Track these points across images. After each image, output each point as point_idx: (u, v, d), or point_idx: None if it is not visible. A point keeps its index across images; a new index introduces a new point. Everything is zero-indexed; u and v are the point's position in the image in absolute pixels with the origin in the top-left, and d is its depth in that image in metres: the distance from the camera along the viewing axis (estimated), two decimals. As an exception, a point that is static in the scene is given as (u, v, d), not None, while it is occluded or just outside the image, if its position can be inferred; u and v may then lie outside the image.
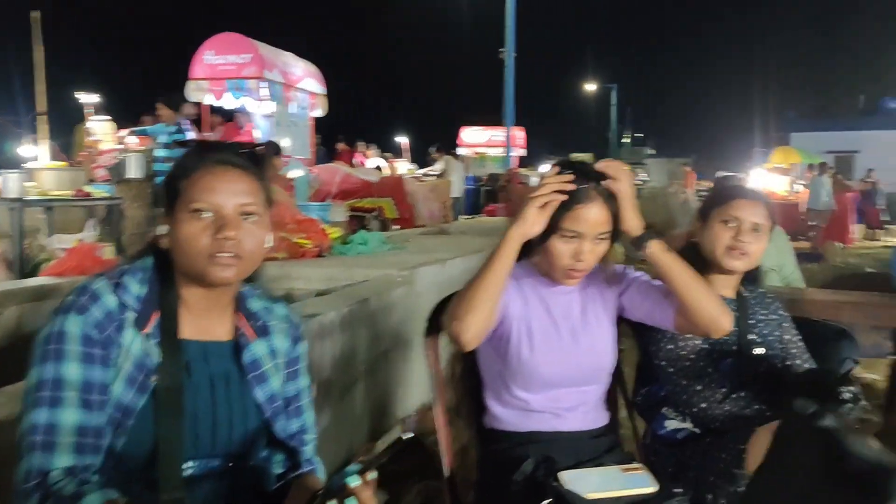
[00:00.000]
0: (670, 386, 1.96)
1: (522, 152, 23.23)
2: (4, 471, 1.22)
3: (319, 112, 11.13)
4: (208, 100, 9.83)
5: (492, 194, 15.70)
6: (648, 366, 2.02)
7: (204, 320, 1.35)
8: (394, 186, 9.87)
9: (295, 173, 9.23)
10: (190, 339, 1.31)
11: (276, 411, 1.39)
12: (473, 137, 23.01)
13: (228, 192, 1.29)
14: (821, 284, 4.67)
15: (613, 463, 1.69)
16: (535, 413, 1.71)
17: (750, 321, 2.01)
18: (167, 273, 1.32)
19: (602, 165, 1.63)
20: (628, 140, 53.24)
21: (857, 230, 15.10)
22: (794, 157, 19.91)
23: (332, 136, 13.62)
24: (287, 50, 10.50)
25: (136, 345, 1.25)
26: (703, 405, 1.89)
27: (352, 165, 12.57)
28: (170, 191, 1.31)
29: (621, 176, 1.61)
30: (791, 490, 1.34)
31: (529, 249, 1.70)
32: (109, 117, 9.98)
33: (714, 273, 2.02)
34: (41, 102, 9.08)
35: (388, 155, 16.52)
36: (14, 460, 1.18)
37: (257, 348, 1.38)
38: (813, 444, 1.29)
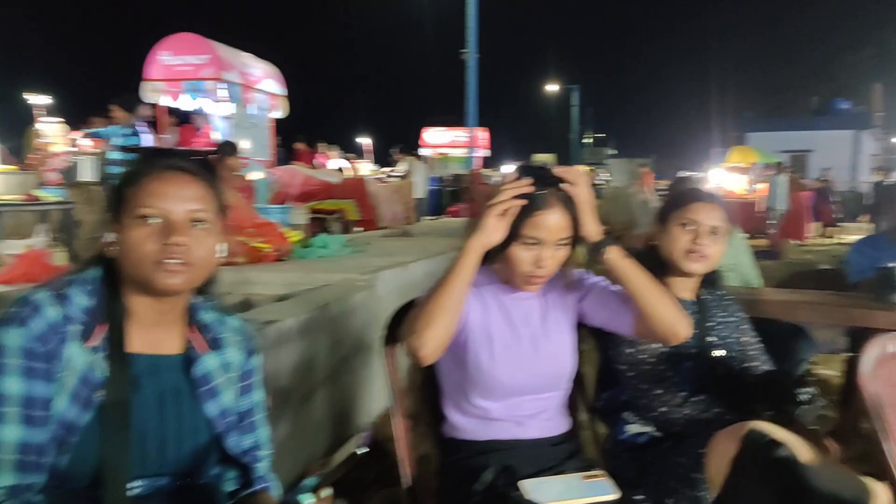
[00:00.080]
0: (631, 390, 1.96)
1: (486, 153, 23.33)
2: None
3: (279, 113, 11.00)
4: (165, 101, 9.64)
5: (455, 195, 15.72)
6: (609, 370, 2.02)
7: (153, 333, 1.30)
8: (356, 188, 9.79)
9: (255, 175, 9.11)
10: (138, 353, 1.27)
11: (228, 427, 1.35)
12: (436, 138, 23.02)
13: (177, 198, 1.25)
14: (778, 281, 4.74)
15: (574, 470, 1.67)
16: (495, 421, 1.69)
17: (709, 323, 2.02)
18: (115, 283, 1.27)
19: (560, 171, 1.62)
20: (590, 140, 53.78)
21: (812, 228, 15.43)
22: (751, 157, 20.29)
23: (293, 137, 13.45)
24: (245, 50, 10.35)
25: (81, 359, 1.20)
26: (663, 409, 1.89)
27: (312, 166, 12.46)
28: (117, 197, 1.27)
29: (579, 181, 1.60)
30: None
31: (489, 256, 1.68)
32: (61, 119, 9.74)
33: (673, 276, 2.03)
34: (-12, 104, 8.83)
35: (350, 156, 16.44)
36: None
37: (209, 362, 1.34)
38: (770, 475, 1.29)
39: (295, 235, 5.20)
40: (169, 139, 9.55)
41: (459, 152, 21.74)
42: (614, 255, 1.61)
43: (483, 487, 1.59)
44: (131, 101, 6.84)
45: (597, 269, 1.84)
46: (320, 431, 3.12)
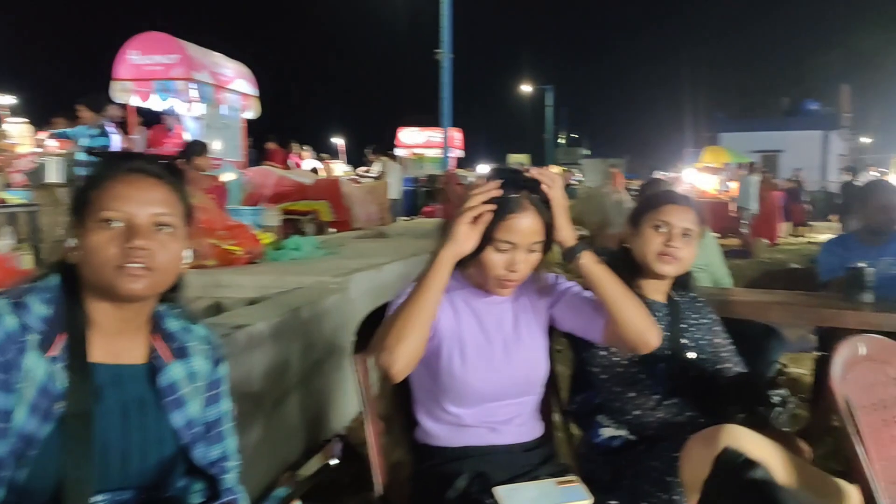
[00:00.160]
0: (604, 393, 1.95)
1: (460, 153, 23.30)
2: None
3: (251, 114, 10.90)
4: (134, 101, 9.50)
5: (431, 195, 15.69)
6: (583, 372, 2.01)
7: (116, 342, 1.26)
8: (329, 189, 9.71)
9: (227, 177, 9.00)
10: (100, 363, 1.23)
11: (194, 437, 1.31)
12: (411, 138, 22.96)
13: (141, 201, 1.22)
14: (749, 280, 4.79)
15: (548, 475, 1.66)
16: (468, 428, 1.67)
17: (682, 325, 2.02)
18: (76, 291, 1.24)
19: (535, 172, 1.60)
20: (564, 140, 54.07)
21: (783, 227, 15.63)
22: (723, 157, 20.52)
23: (264, 137, 13.31)
24: (216, 50, 10.23)
25: (40, 369, 1.16)
26: (637, 412, 1.89)
27: (286, 166, 12.35)
28: (79, 201, 1.24)
29: (555, 184, 1.58)
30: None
31: (461, 261, 1.66)
32: (26, 119, 9.54)
33: (645, 278, 2.03)
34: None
35: (324, 156, 16.34)
36: None
37: (174, 371, 1.30)
38: (745, 497, 1.29)
39: (267, 238, 5.14)
40: (138, 140, 9.41)
41: (434, 153, 21.71)
42: (588, 261, 1.60)
43: (457, 494, 1.58)
44: (99, 101, 6.72)
45: (569, 275, 1.83)
46: (294, 436, 3.09)
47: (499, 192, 1.54)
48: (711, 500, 1.40)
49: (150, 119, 10.16)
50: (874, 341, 1.59)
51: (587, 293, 1.70)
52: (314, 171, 12.81)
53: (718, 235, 13.04)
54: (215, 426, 1.37)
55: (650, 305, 2.01)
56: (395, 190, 13.01)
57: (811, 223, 16.48)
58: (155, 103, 9.57)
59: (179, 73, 9.14)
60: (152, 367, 1.29)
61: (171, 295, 1.36)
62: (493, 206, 1.54)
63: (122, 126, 8.36)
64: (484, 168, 21.39)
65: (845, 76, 35.35)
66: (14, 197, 6.91)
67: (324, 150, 17.81)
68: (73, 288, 1.24)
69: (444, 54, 18.85)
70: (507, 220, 1.56)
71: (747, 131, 31.55)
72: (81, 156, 6.34)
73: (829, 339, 3.41)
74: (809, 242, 15.06)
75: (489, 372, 1.64)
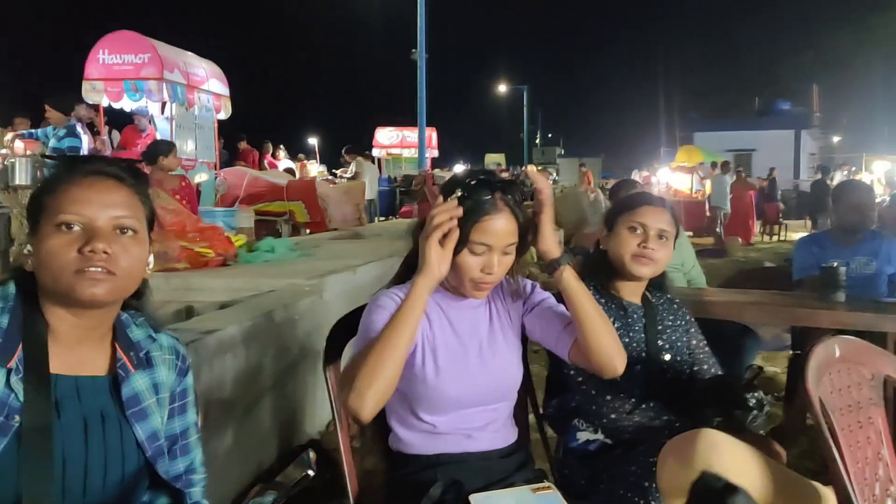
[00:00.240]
0: (580, 396, 1.94)
1: (434, 153, 23.26)
2: None
3: (223, 114, 10.79)
4: (105, 101, 9.36)
5: (407, 195, 15.65)
6: (559, 375, 1.99)
7: (76, 353, 1.22)
8: (304, 189, 9.61)
9: (200, 178, 8.89)
10: (60, 374, 1.18)
11: (158, 451, 1.27)
12: (387, 138, 22.90)
13: (101, 204, 1.17)
14: (724, 279, 4.83)
15: (524, 482, 1.63)
16: (442, 435, 1.64)
17: (657, 327, 2.01)
18: (34, 299, 1.19)
19: (530, 171, 1.57)
20: (539, 141, 54.30)
21: (756, 226, 15.80)
22: (696, 156, 20.71)
23: (236, 136, 13.15)
24: (188, 49, 10.12)
25: None
26: (613, 416, 1.87)
27: (259, 167, 12.23)
28: (35, 206, 1.19)
29: (546, 187, 1.55)
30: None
31: None
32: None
33: (621, 279, 2.02)
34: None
35: (301, 156, 16.21)
36: None
37: (138, 382, 1.26)
38: None
39: (240, 240, 5.06)
40: (109, 141, 9.26)
41: (410, 152, 21.69)
42: (569, 276, 1.57)
43: (431, 502, 1.55)
44: (67, 100, 6.59)
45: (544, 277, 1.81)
46: (267, 442, 3.04)
47: (458, 213, 1.50)
48: None
49: (123, 120, 10.02)
50: (848, 343, 1.59)
51: (560, 307, 1.67)
52: (290, 171, 12.70)
53: (691, 234, 13.16)
54: (180, 438, 1.33)
55: (626, 307, 2.01)
56: (371, 190, 12.95)
57: (784, 222, 16.67)
58: (126, 103, 9.44)
59: (151, 73, 9.03)
60: (115, 378, 1.24)
61: (134, 302, 1.32)
62: (455, 224, 1.49)
63: (91, 127, 8.22)
64: (460, 167, 21.38)
65: (815, 76, 35.91)
66: (-21, 200, 6.76)
67: (299, 151, 17.68)
68: (31, 296, 1.19)
69: (420, 54, 18.85)
70: (482, 222, 1.53)
71: (720, 131, 31.94)
72: (50, 157, 6.21)
73: (803, 338, 3.44)
74: (781, 241, 15.25)
75: (464, 379, 1.61)
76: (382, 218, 14.30)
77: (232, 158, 12.32)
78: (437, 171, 18.80)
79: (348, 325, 1.76)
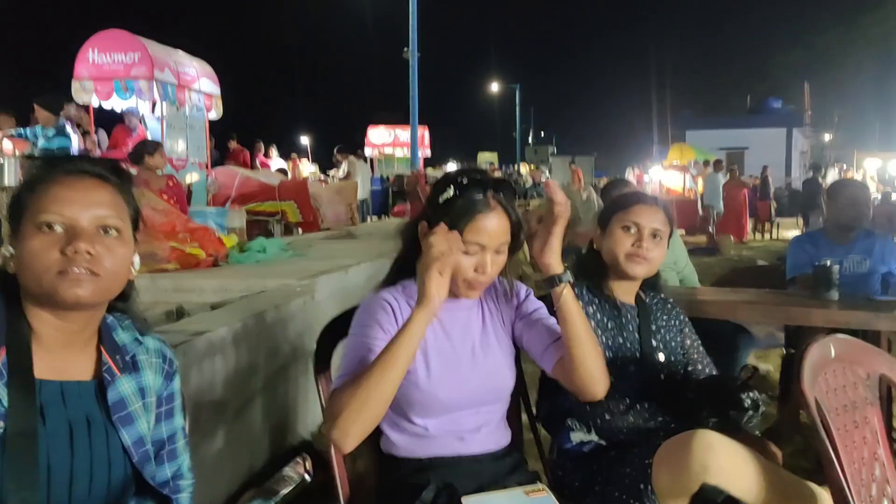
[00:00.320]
0: (574, 397, 1.91)
1: (427, 152, 23.22)
2: None
3: (214, 114, 10.73)
4: (95, 101, 9.29)
5: (400, 195, 15.62)
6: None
7: (61, 357, 1.19)
8: (296, 189, 9.59)
9: (192, 177, 8.84)
10: (44, 379, 1.15)
11: (145, 456, 1.24)
12: (379, 137, 22.85)
13: (83, 203, 1.15)
14: (717, 277, 4.83)
15: (517, 484, 1.61)
16: (434, 438, 1.61)
17: (651, 327, 1.99)
18: (16, 303, 1.16)
19: (550, 183, 1.53)
20: (531, 139, 54.32)
21: (749, 224, 15.83)
22: (689, 154, 20.75)
23: (226, 136, 13.07)
24: (178, 48, 10.05)
25: None
26: (607, 417, 1.86)
27: (251, 167, 12.18)
28: (15, 207, 1.16)
29: (563, 201, 1.51)
30: None
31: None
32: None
33: (614, 279, 2.01)
34: None
35: (294, 156, 16.17)
36: None
37: (124, 386, 1.24)
38: None
39: (230, 240, 5.02)
40: (99, 140, 9.20)
41: (402, 152, 21.65)
42: (568, 295, 1.55)
43: (423, 506, 1.53)
44: (56, 100, 6.53)
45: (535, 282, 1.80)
46: (258, 444, 3.02)
47: (460, 245, 1.47)
48: None
49: (111, 120, 9.95)
50: (843, 342, 1.57)
51: (551, 320, 1.66)
52: (282, 171, 12.65)
53: (684, 233, 13.19)
54: (167, 444, 1.31)
55: (619, 307, 1.99)
56: (363, 189, 12.92)
57: (777, 220, 16.71)
58: (116, 103, 9.37)
59: (140, 73, 8.96)
60: (100, 383, 1.22)
61: (120, 305, 1.29)
62: (458, 254, 1.46)
63: (78, 126, 8.15)
64: (452, 166, 21.37)
65: (807, 74, 36.06)
66: (-31, 200, 6.70)
67: (291, 150, 17.64)
68: (14, 300, 1.17)
69: (412, 53, 18.82)
70: (475, 221, 1.52)
71: (713, 129, 32.01)
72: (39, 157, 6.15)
73: (797, 336, 3.44)
74: (774, 240, 15.28)
75: (456, 382, 1.59)
76: (375, 217, 14.26)
77: (222, 158, 12.26)
78: (429, 169, 18.79)
79: (338, 329, 1.74)
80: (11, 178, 6.16)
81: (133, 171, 5.43)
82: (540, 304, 1.72)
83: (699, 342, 2.05)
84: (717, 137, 30.45)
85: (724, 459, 1.44)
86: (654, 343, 1.97)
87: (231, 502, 2.62)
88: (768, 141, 30.74)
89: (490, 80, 45.30)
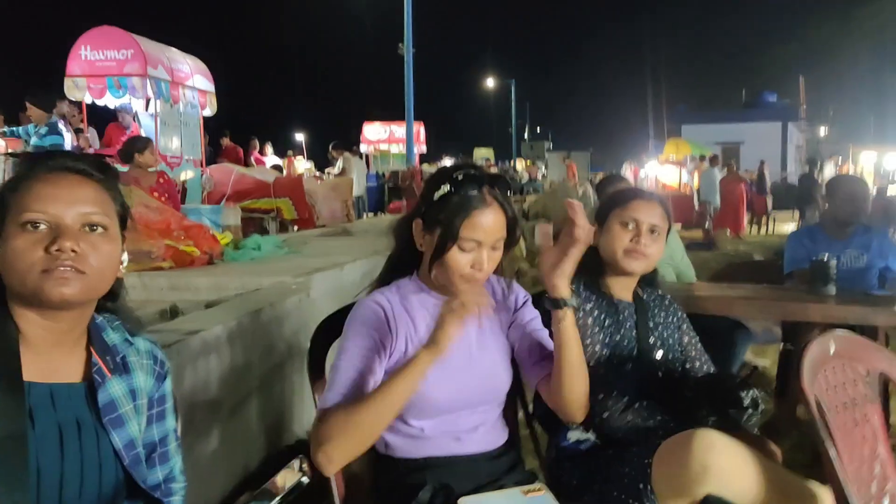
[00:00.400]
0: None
1: (423, 148, 23.17)
2: None
3: (208, 111, 10.68)
4: (87, 98, 9.24)
5: (395, 191, 15.59)
6: (549, 374, 1.96)
7: (50, 359, 1.17)
8: (291, 186, 9.55)
9: (187, 175, 8.80)
10: (33, 382, 1.13)
11: (136, 459, 1.22)
12: (375, 134, 22.80)
13: (67, 200, 1.13)
14: (713, 272, 4.82)
15: (514, 483, 1.60)
16: (430, 439, 1.60)
17: (649, 325, 1.98)
18: (2, 304, 1.14)
19: (575, 205, 1.51)
20: (527, 135, 54.30)
21: (746, 219, 15.83)
22: (684, 149, 20.74)
23: (220, 133, 12.98)
24: (172, 45, 10.01)
25: None
26: (605, 415, 1.84)
27: (245, 164, 12.13)
28: None
29: (585, 225, 1.47)
30: None
31: (420, 264, 1.59)
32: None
33: (612, 276, 1.99)
34: None
35: (290, 153, 16.12)
36: None
37: (114, 388, 1.21)
38: None
39: (225, 237, 4.99)
40: (92, 138, 9.16)
41: (398, 148, 21.60)
42: (569, 323, 1.53)
43: (420, 507, 1.51)
44: (49, 97, 6.48)
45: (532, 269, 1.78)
46: (253, 443, 3.00)
47: (490, 301, 1.44)
48: None
49: (106, 117, 9.90)
50: (842, 339, 1.56)
51: (544, 333, 1.65)
52: (277, 168, 12.61)
53: (680, 227, 13.18)
54: (159, 446, 1.29)
55: (616, 304, 1.97)
56: (359, 186, 12.88)
57: (773, 214, 16.71)
58: (109, 100, 9.33)
59: (134, 69, 8.92)
60: (90, 385, 1.20)
61: (110, 305, 1.27)
62: (489, 302, 1.44)
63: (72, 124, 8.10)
64: (447, 161, 21.30)
65: (801, 68, 36.07)
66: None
67: (287, 147, 17.59)
68: (0, 301, 1.14)
69: (407, 49, 18.78)
70: (471, 217, 1.50)
71: (708, 123, 31.97)
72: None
73: (794, 331, 3.43)
74: (768, 235, 15.28)
75: (452, 383, 1.57)
76: (371, 214, 14.23)
77: (215, 155, 12.20)
78: (425, 165, 18.74)
79: (332, 328, 1.72)
80: (1, 176, 6.13)
81: (124, 168, 5.39)
82: (536, 314, 1.71)
83: (697, 339, 2.04)
84: (713, 132, 30.40)
85: (724, 459, 1.43)
86: (651, 340, 1.95)
87: (226, 502, 2.60)
88: (764, 135, 30.71)
89: (486, 75, 45.24)
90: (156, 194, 5.10)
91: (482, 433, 1.64)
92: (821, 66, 36.41)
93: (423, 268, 1.61)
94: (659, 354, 1.94)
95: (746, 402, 1.58)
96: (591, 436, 1.86)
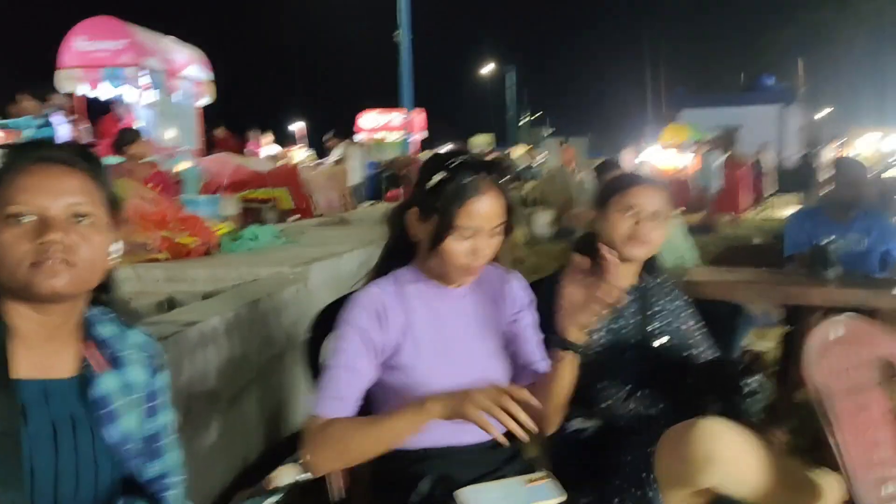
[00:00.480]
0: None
1: (424, 135, 23.07)
2: None
3: (207, 100, 10.61)
4: (82, 90, 9.16)
5: (393, 180, 15.53)
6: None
7: (42, 354, 1.15)
8: (288, 176, 9.52)
9: (183, 166, 8.75)
10: (25, 379, 1.11)
11: (131, 454, 1.21)
12: (372, 122, 22.70)
13: (53, 191, 1.11)
14: (712, 255, 4.80)
15: (515, 473, 1.58)
16: (430, 430, 1.57)
17: (651, 311, 1.95)
18: None
19: (611, 260, 1.51)
20: (527, 120, 54.11)
21: (745, 202, 15.78)
22: (683, 134, 20.65)
23: (214, 123, 12.88)
24: (167, 33, 9.93)
25: None
26: (608, 403, 1.82)
27: (242, 153, 12.06)
28: None
29: (623, 295, 1.50)
30: None
31: (419, 253, 1.57)
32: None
33: (613, 262, 1.96)
34: None
35: (283, 150, 16.04)
36: None
37: (107, 382, 1.19)
38: None
39: (223, 228, 4.97)
40: (86, 130, 9.10)
41: (396, 136, 21.50)
42: (570, 362, 1.55)
43: (420, 498, 1.50)
44: (43, 89, 6.44)
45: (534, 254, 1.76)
46: (252, 434, 3.00)
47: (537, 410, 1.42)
48: None
49: (98, 109, 9.83)
50: (846, 323, 1.54)
51: (538, 339, 1.65)
52: (276, 157, 12.55)
53: (679, 211, 13.13)
54: (154, 440, 1.27)
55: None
56: (356, 175, 12.84)
57: (772, 197, 16.68)
58: (104, 91, 9.26)
59: (128, 60, 8.84)
60: (83, 380, 1.18)
61: (103, 297, 1.25)
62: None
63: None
64: (447, 148, 21.23)
65: (799, 51, 35.90)
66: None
67: (286, 135, 17.50)
68: None
69: (403, 35, 18.67)
70: (467, 205, 1.47)
71: (707, 107, 31.80)
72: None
73: (795, 314, 3.42)
74: (765, 220, 15.25)
75: (450, 372, 1.55)
76: (369, 203, 14.20)
77: (209, 147, 12.12)
78: (424, 152, 18.64)
79: (332, 318, 1.70)
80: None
81: (119, 160, 5.35)
82: (535, 318, 1.70)
83: (700, 324, 2.01)
84: (712, 115, 30.15)
85: (729, 449, 1.41)
86: (653, 327, 1.93)
87: (226, 494, 2.59)
88: (762, 118, 30.53)
89: (484, 61, 45.03)
90: (150, 185, 5.07)
91: (481, 423, 1.62)
92: (820, 49, 36.22)
93: (421, 257, 1.59)
94: (661, 342, 1.92)
95: (748, 389, 1.56)
96: (592, 423, 1.85)
